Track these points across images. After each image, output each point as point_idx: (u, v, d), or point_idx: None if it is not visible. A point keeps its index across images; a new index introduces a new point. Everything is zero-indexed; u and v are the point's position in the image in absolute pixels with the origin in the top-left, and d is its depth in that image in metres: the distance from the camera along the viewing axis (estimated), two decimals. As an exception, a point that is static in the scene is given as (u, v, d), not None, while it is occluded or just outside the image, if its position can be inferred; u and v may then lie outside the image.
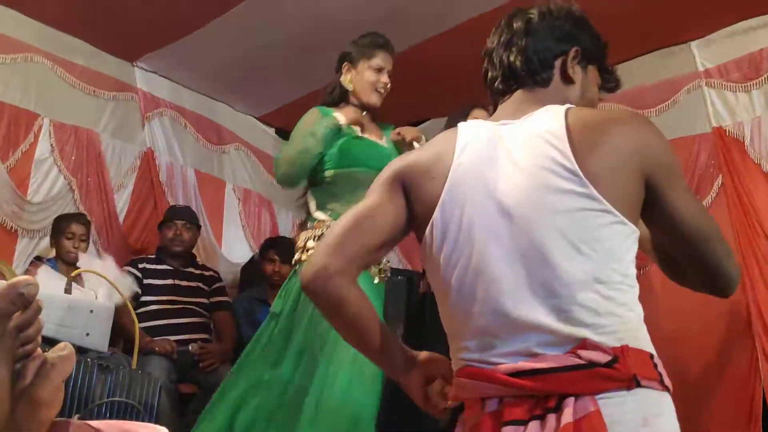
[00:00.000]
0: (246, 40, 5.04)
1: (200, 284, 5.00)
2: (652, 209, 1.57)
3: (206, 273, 5.11)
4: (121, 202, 5.38)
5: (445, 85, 4.85)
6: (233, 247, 5.98)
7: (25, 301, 0.92)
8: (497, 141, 1.63)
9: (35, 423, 0.91)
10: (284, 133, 6.48)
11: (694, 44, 4.68)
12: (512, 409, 1.41)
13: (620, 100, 4.33)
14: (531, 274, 1.48)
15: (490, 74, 1.83)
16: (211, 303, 4.99)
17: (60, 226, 4.61)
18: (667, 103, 4.66)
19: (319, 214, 3.33)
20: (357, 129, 3.39)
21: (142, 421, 1.38)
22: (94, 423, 1.08)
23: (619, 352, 1.40)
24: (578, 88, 1.79)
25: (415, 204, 1.65)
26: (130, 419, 1.39)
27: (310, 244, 3.21)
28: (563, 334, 1.44)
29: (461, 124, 1.73)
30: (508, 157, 1.59)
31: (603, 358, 1.39)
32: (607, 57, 1.91)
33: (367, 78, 3.44)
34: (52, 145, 4.98)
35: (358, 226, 1.67)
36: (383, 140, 3.46)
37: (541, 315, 1.45)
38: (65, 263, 4.51)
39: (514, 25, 1.80)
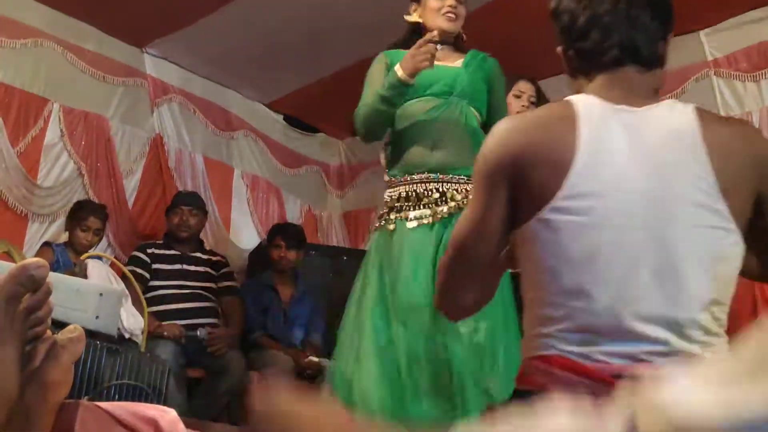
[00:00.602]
0: (255, 27, 5.04)
1: (208, 269, 5.02)
2: (755, 222, 1.54)
3: (214, 258, 5.13)
4: (130, 187, 5.40)
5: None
6: (241, 233, 6.00)
7: (35, 283, 0.93)
8: (624, 131, 1.53)
9: (45, 404, 0.92)
10: (293, 120, 6.49)
11: (703, 33, 4.66)
12: None
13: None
14: (659, 283, 1.44)
15: (595, 39, 1.65)
16: (218, 288, 5.01)
17: (77, 215, 4.61)
18: (675, 92, 4.65)
19: (386, 176, 3.29)
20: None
21: (150, 403, 1.40)
22: (103, 404, 1.09)
23: None
24: (662, 74, 1.71)
25: (525, 190, 1.55)
26: (139, 401, 1.40)
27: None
28: (675, 347, 1.42)
29: (576, 100, 1.61)
30: (638, 154, 1.51)
31: None
32: None
33: (431, 6, 3.22)
34: (61, 130, 4.99)
35: (466, 260, 1.66)
36: (457, 62, 3.25)
37: (659, 326, 1.43)
38: (75, 250, 4.53)
39: None
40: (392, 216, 3.14)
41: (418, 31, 3.24)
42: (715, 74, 4.59)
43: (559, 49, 1.75)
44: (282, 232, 5.26)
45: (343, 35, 5.08)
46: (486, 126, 3.12)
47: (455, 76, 3.16)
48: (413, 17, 3.30)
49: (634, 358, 1.42)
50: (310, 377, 4.81)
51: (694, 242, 1.46)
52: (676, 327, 1.43)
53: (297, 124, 6.55)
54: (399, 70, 3.03)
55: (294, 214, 6.41)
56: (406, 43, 3.25)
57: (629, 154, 1.50)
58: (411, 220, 3.07)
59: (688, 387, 0.75)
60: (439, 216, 3.03)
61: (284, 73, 5.73)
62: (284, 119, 6.47)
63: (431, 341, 2.90)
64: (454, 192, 3.04)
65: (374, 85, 3.24)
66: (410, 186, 3.11)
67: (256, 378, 4.67)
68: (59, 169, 4.99)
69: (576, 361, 1.45)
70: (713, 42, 4.64)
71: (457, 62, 3.24)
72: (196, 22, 5.03)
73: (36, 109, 4.88)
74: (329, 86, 5.71)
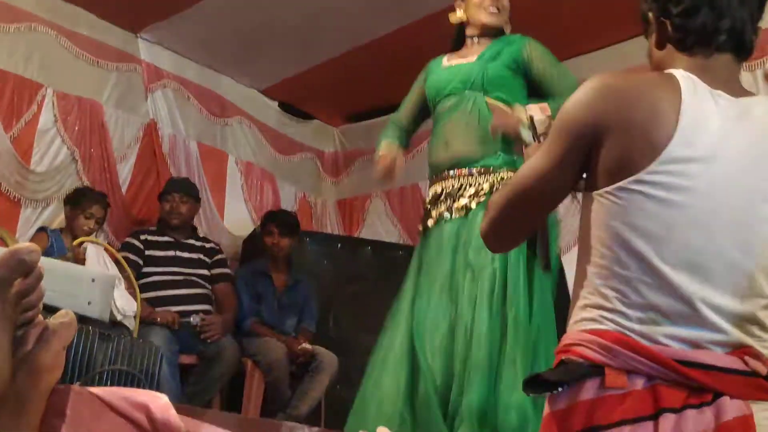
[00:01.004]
0: (249, 13, 5.03)
1: (201, 256, 5.02)
2: None
3: (207, 245, 5.12)
4: (124, 173, 5.39)
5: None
6: (235, 220, 6.00)
7: (26, 267, 0.92)
8: (724, 119, 1.48)
9: (36, 388, 0.92)
10: (287, 107, 6.48)
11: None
12: (669, 395, 1.36)
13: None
14: (732, 274, 1.43)
15: (705, 20, 1.56)
16: (212, 275, 5.01)
17: (81, 202, 4.58)
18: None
19: None
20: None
21: (143, 389, 1.40)
22: (94, 389, 1.09)
23: None
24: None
25: (608, 156, 1.49)
26: (131, 387, 1.40)
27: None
28: (733, 338, 1.41)
29: (679, 74, 1.52)
30: (737, 145, 1.47)
31: (764, 370, 1.39)
32: None
33: (473, 1, 3.26)
34: (55, 115, 4.98)
35: (522, 207, 1.64)
36: (470, 57, 3.26)
37: (723, 316, 1.41)
38: (72, 236, 4.51)
39: None
40: (426, 218, 3.25)
41: (463, 29, 3.33)
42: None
43: (645, 8, 1.68)
44: (275, 219, 5.25)
45: (338, 22, 5.07)
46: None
47: (469, 71, 3.19)
48: (457, 15, 3.33)
49: (695, 344, 1.41)
50: (303, 364, 4.81)
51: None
52: (739, 320, 1.42)
53: (292, 110, 6.54)
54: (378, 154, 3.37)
55: (288, 201, 6.41)
56: (456, 44, 3.37)
57: (728, 142, 1.46)
58: (435, 219, 3.17)
59: None
60: (457, 212, 3.09)
61: (279, 60, 5.72)
62: (279, 106, 6.46)
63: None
64: (468, 186, 3.09)
65: (410, 95, 3.47)
66: (435, 186, 3.22)
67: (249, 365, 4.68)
68: (53, 154, 4.97)
69: (636, 340, 1.41)
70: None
71: (470, 57, 3.26)
72: (190, 7, 5.02)
73: (29, 93, 4.86)
74: (324, 73, 5.71)
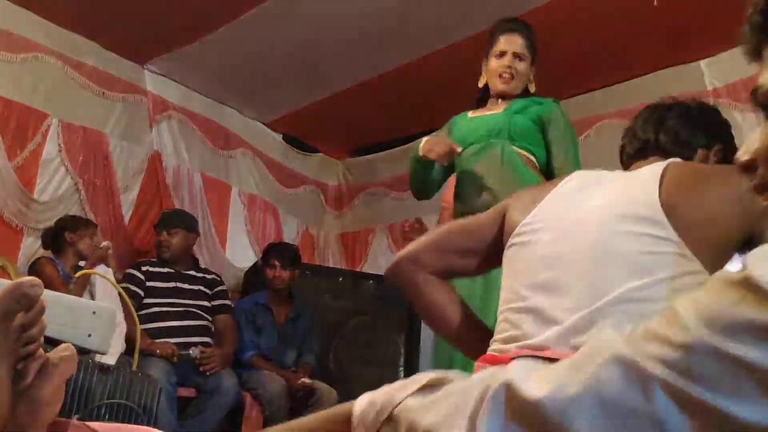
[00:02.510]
0: (256, 47, 5.06)
1: (202, 287, 5.01)
2: None
3: (208, 276, 5.11)
4: (127, 203, 5.40)
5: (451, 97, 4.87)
6: (237, 252, 6.00)
7: (29, 301, 0.92)
8: (600, 184, 1.73)
9: (36, 422, 0.91)
10: (291, 139, 6.51)
11: (703, 63, 4.69)
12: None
13: (629, 117, 4.33)
14: (577, 292, 1.57)
15: (628, 148, 1.93)
16: (212, 306, 4.99)
17: (78, 227, 4.62)
18: (674, 120, 4.65)
19: None
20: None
21: (141, 423, 1.39)
22: (92, 424, 1.08)
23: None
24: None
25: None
26: (129, 421, 1.39)
27: None
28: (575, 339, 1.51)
29: (578, 173, 1.86)
30: (586, 195, 1.70)
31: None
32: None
33: (491, 67, 3.31)
34: (59, 145, 5.00)
35: (456, 231, 1.89)
36: (497, 110, 3.31)
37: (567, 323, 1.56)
38: (78, 258, 4.53)
39: (672, 108, 1.93)
40: None
41: (487, 91, 3.37)
42: (714, 104, 4.60)
43: None
44: (276, 252, 5.25)
45: (343, 56, 5.10)
46: (547, 167, 3.20)
47: (495, 121, 3.22)
48: (482, 79, 3.38)
49: (541, 348, 1.52)
50: (302, 398, 4.78)
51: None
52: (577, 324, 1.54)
53: (296, 143, 6.56)
54: (422, 146, 3.18)
55: (291, 233, 6.41)
56: (478, 103, 3.40)
57: (580, 200, 1.70)
58: None
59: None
60: None
61: (284, 93, 5.75)
62: (283, 138, 6.48)
63: None
64: None
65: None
66: None
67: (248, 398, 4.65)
68: (56, 183, 4.98)
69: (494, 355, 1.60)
70: (713, 72, 4.66)
71: (494, 111, 3.30)
72: (197, 40, 5.05)
73: (34, 123, 4.88)
74: (329, 107, 5.73)
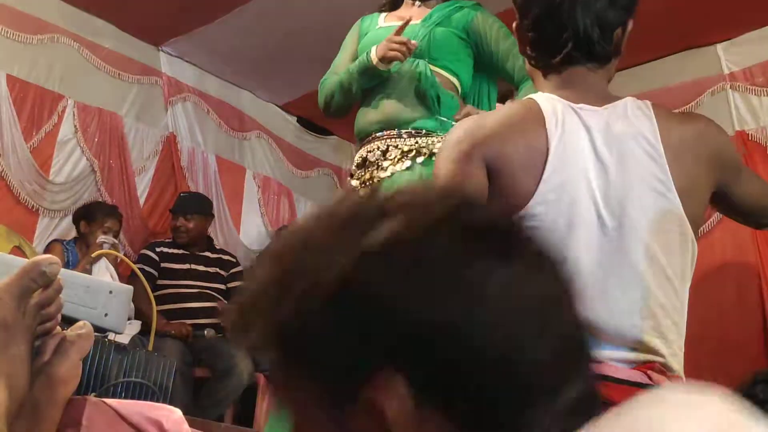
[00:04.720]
0: (270, 28, 5.05)
1: (217, 269, 5.02)
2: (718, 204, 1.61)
3: (224, 257, 5.12)
4: (142, 185, 5.42)
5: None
6: (252, 234, 6.01)
7: (46, 279, 0.93)
8: (588, 134, 1.52)
9: (53, 398, 0.92)
10: (306, 122, 6.50)
11: (720, 46, 4.65)
12: None
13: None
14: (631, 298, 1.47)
15: (547, 36, 1.57)
16: (228, 289, 5.00)
17: (96, 217, 4.61)
18: (691, 104, 4.63)
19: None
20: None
21: (156, 401, 1.40)
22: (109, 401, 1.09)
23: None
24: (615, 66, 1.67)
25: (502, 195, 1.50)
26: (145, 399, 1.40)
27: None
28: (635, 354, 1.48)
29: (541, 101, 1.56)
30: (603, 157, 1.50)
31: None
32: None
33: None
34: (75, 126, 5.01)
35: None
36: (413, 18, 2.81)
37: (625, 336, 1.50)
38: (86, 247, 4.53)
39: None
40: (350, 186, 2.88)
41: None
42: (731, 88, 4.57)
43: (514, 26, 1.67)
44: (286, 234, 5.25)
45: (358, 39, 5.08)
46: (511, 86, 2.80)
47: (412, 35, 2.76)
48: None
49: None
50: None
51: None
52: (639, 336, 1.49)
53: (310, 126, 6.56)
54: (373, 54, 2.74)
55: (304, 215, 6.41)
56: (393, 3, 3.04)
57: (594, 161, 1.50)
58: (360, 188, 2.74)
59: None
60: (378, 179, 2.70)
61: (299, 75, 5.73)
62: (297, 121, 6.47)
63: None
64: (395, 147, 2.70)
65: (343, 53, 3.04)
66: (360, 151, 2.84)
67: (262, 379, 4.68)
68: (72, 165, 5.01)
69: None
70: (730, 55, 4.62)
71: (412, 19, 2.81)
72: (212, 21, 5.05)
73: (50, 104, 4.90)
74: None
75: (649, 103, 1.59)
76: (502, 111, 1.61)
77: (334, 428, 0.59)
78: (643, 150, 1.50)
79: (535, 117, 1.53)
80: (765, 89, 4.44)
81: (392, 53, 2.68)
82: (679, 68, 4.74)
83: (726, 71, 4.62)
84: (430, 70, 2.73)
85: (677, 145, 1.51)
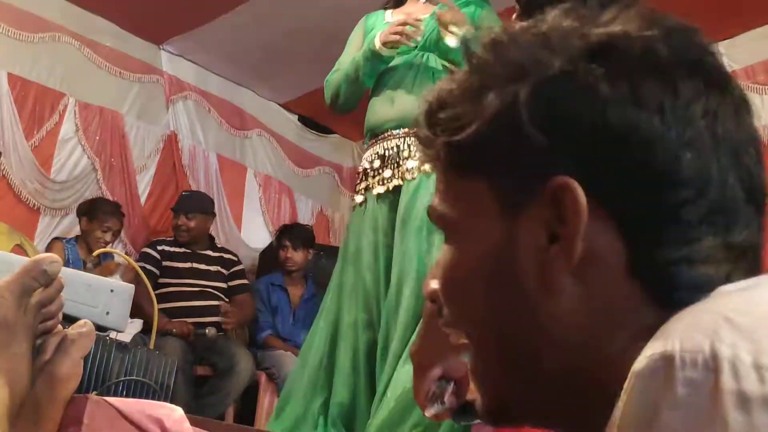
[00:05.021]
0: (272, 27, 5.05)
1: (219, 267, 5.02)
2: None
3: (226, 256, 5.12)
4: (143, 183, 5.42)
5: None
6: (252, 233, 6.01)
7: (47, 278, 0.93)
8: None
9: (54, 396, 0.92)
10: (307, 120, 6.50)
11: (721, 45, 4.65)
12: None
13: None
14: None
15: None
16: (229, 287, 5.00)
17: (97, 215, 4.61)
18: (692, 103, 4.62)
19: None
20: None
21: (158, 400, 1.40)
22: (111, 399, 1.10)
23: None
24: None
25: None
26: (146, 398, 1.40)
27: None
28: None
29: None
30: None
31: None
32: None
33: None
34: (76, 124, 5.02)
35: None
36: (421, 11, 2.85)
37: None
38: (87, 248, 4.53)
39: None
40: (361, 186, 2.88)
41: None
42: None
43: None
44: (288, 233, 5.26)
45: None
46: None
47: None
48: None
49: None
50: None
51: None
52: None
53: (311, 124, 6.55)
54: (377, 41, 2.77)
55: (305, 214, 6.42)
56: (398, 1, 3.04)
57: None
58: (377, 186, 2.79)
59: None
60: (404, 177, 2.70)
61: (300, 74, 5.73)
62: (298, 120, 6.47)
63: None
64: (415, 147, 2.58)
65: (349, 50, 3.05)
66: (375, 147, 2.83)
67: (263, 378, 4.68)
68: (73, 163, 5.01)
69: None
70: (731, 54, 4.61)
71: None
72: (213, 20, 5.05)
73: (51, 103, 4.90)
74: None
75: None
76: None
77: (501, 229, 0.61)
78: None
79: None
80: (767, 87, 4.44)
81: (394, 36, 2.71)
82: (681, 67, 4.73)
83: (728, 70, 4.62)
84: (441, 64, 2.75)
85: None
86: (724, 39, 4.63)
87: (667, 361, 0.47)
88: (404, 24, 2.73)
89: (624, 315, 0.57)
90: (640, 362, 0.49)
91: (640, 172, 0.57)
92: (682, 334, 0.48)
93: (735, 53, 4.61)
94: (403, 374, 2.43)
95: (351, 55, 3.02)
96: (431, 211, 0.68)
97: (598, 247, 0.57)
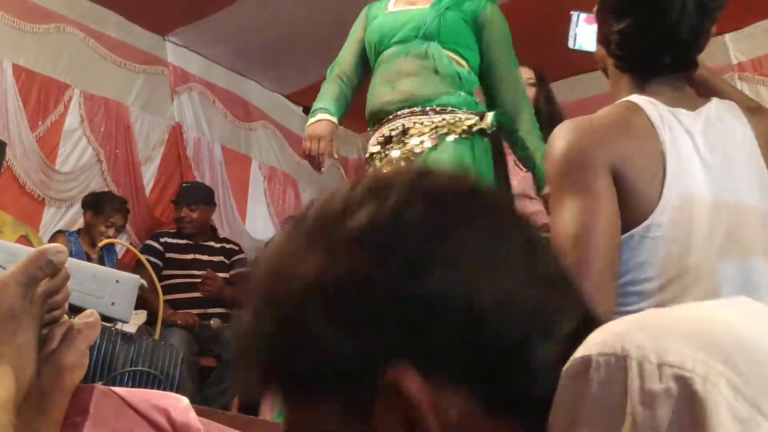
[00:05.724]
0: (276, 18, 5.05)
1: (222, 258, 5.02)
2: None
3: (227, 246, 5.11)
4: (148, 175, 5.42)
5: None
6: (257, 224, 6.02)
7: (53, 268, 0.93)
8: (690, 139, 1.46)
9: (60, 386, 0.92)
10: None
11: (728, 37, 4.64)
12: None
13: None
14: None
15: (649, 42, 1.51)
16: (232, 275, 5.00)
17: (103, 210, 4.60)
18: (698, 94, 4.62)
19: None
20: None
21: (163, 390, 1.40)
22: (117, 389, 1.10)
23: None
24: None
25: (622, 203, 1.41)
26: (151, 388, 1.41)
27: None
28: None
29: (642, 104, 1.48)
30: (708, 162, 1.45)
31: None
32: None
33: None
34: (81, 115, 5.02)
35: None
36: (424, 3, 2.81)
37: None
38: (90, 241, 4.54)
39: None
40: (369, 170, 2.83)
41: None
42: (739, 78, 4.56)
43: (595, 16, 1.60)
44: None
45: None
46: (482, 78, 2.78)
47: (422, 18, 2.76)
48: None
49: None
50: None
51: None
52: None
53: (316, 116, 6.54)
54: (308, 132, 2.90)
55: (310, 206, 6.41)
56: None
57: (701, 166, 1.46)
58: (385, 168, 2.72)
59: None
60: (412, 154, 2.68)
61: (305, 65, 5.73)
62: (303, 111, 6.46)
63: None
64: (421, 124, 2.67)
65: (349, 44, 3.07)
66: (381, 129, 2.83)
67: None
68: (78, 154, 5.01)
69: None
70: (738, 46, 4.61)
71: (418, 3, 2.83)
72: (218, 11, 5.04)
73: (56, 94, 4.90)
74: None
75: (733, 103, 1.57)
76: (606, 111, 1.52)
77: None
78: (743, 152, 1.49)
79: (643, 120, 1.47)
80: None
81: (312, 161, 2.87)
82: (687, 58, 4.73)
83: (734, 61, 4.61)
84: (448, 58, 2.73)
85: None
86: (731, 31, 4.62)
87: (585, 363, 0.52)
88: (311, 156, 2.86)
89: None
90: (567, 365, 0.54)
91: (449, 333, 0.56)
92: (600, 339, 0.53)
93: (742, 45, 4.60)
94: None
95: (351, 46, 3.04)
96: None
97: (454, 416, 0.56)
